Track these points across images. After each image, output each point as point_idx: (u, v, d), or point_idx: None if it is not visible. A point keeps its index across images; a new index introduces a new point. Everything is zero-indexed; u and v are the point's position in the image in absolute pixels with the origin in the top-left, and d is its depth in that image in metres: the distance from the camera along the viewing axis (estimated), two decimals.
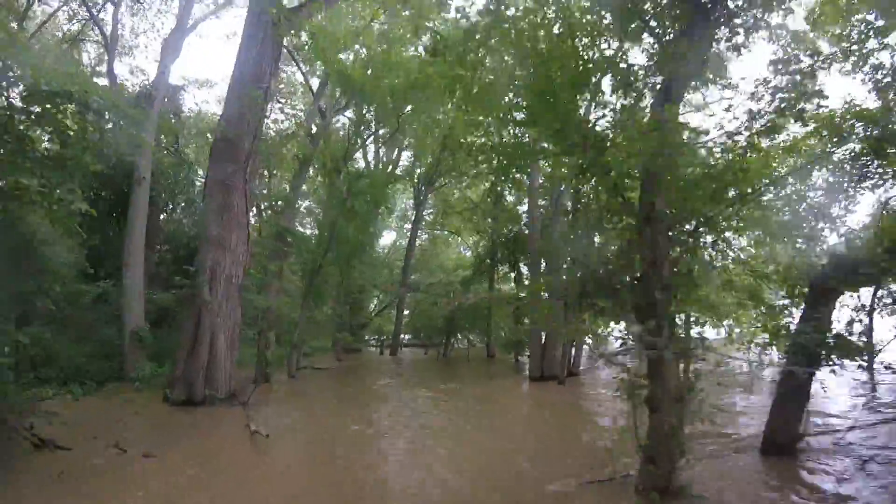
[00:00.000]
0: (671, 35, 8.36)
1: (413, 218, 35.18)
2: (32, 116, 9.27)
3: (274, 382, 18.99)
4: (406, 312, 35.94)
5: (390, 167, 35.14)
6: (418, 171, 34.44)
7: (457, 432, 12.45)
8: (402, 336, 35.62)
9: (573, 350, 19.25)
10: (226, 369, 15.10)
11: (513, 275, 27.75)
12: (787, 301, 11.23)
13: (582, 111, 9.16)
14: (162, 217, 24.28)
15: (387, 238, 45.14)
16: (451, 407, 15.50)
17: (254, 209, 27.78)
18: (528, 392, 17.88)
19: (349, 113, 26.95)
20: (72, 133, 10.26)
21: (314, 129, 22.83)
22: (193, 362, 14.78)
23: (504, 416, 14.76)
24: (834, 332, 8.89)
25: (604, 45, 9.07)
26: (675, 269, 7.29)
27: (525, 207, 28.78)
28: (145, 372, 17.57)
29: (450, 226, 38.08)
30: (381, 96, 21.48)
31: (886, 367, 10.14)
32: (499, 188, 29.09)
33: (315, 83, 26.47)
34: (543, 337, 19.11)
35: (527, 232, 26.40)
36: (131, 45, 28.64)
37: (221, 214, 15.46)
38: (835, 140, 10.08)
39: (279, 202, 23.40)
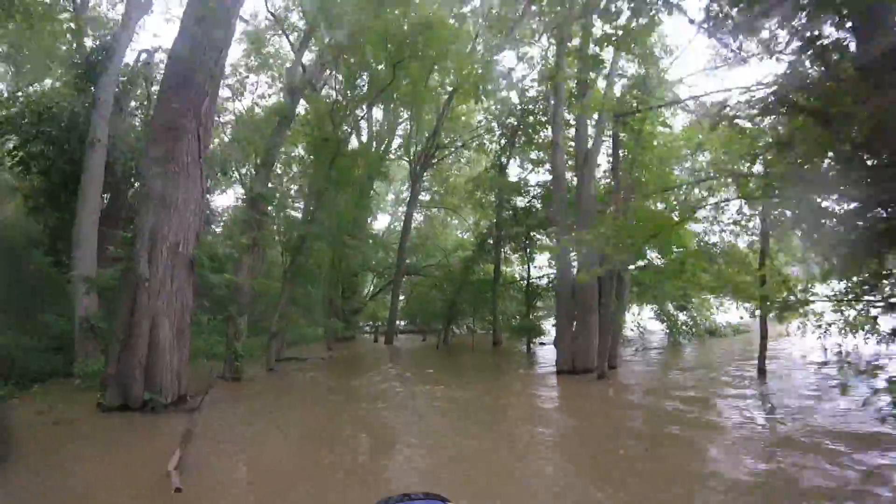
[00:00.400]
0: None
1: (409, 195, 30.87)
2: None
3: (247, 379, 15.03)
4: (401, 298, 31.67)
5: (385, 141, 31.15)
6: (415, 147, 30.20)
7: (490, 465, 8.12)
8: (397, 322, 31.49)
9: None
10: (172, 365, 11.11)
11: (523, 252, 23.52)
12: None
13: None
14: (130, 192, 20.10)
15: (381, 222, 40.92)
16: (468, 414, 11.41)
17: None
18: (563, 391, 13.65)
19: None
20: None
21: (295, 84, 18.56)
22: (129, 357, 10.82)
23: (554, 434, 10.08)
24: None
25: None
26: None
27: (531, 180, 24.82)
28: (90, 367, 13.71)
29: (448, 202, 33.99)
30: (376, 42, 17.45)
31: None
32: (503, 160, 25.09)
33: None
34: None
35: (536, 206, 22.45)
36: (109, 16, 24.54)
37: (167, 165, 11.33)
38: None
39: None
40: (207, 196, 20.61)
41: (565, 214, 15.50)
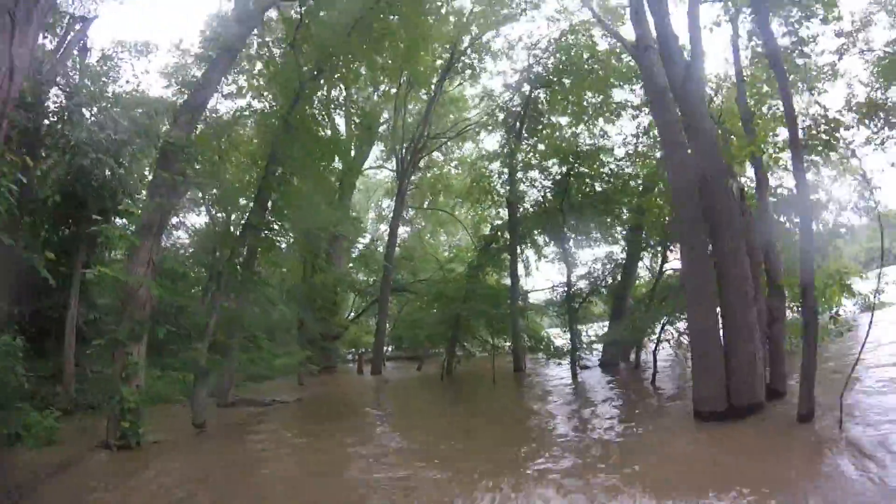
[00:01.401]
0: None
1: (393, 204, 24.07)
2: None
3: (151, 445, 8.07)
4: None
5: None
6: (402, 138, 23.63)
7: None
8: (385, 348, 24.42)
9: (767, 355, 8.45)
10: None
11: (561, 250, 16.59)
12: None
13: None
14: None
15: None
16: None
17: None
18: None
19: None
20: None
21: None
22: None
23: None
24: None
25: None
26: None
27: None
28: None
29: (443, 205, 27.61)
30: None
31: None
32: (512, 143, 18.61)
33: None
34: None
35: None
36: None
37: None
38: None
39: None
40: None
41: (679, 145, 8.82)
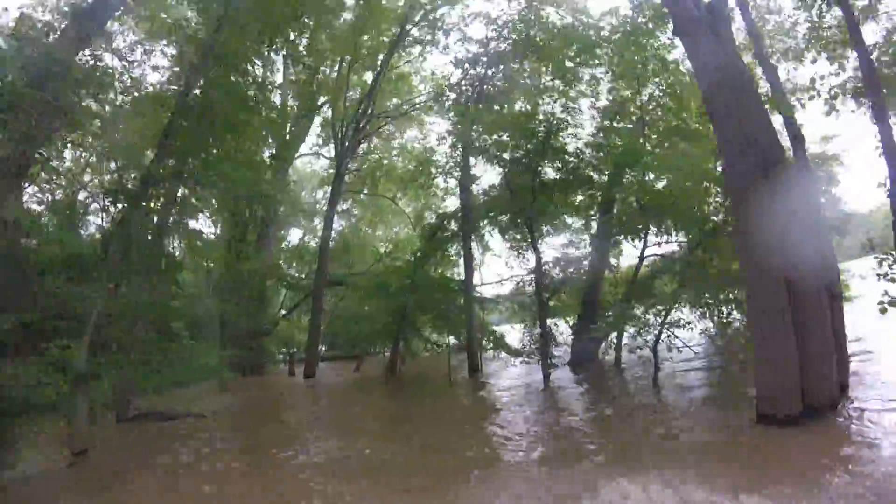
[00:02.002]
0: None
1: (333, 178, 21.14)
2: None
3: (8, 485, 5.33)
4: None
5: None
6: (343, 115, 20.91)
7: None
8: (320, 347, 21.47)
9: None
10: None
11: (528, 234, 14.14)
12: None
13: None
14: None
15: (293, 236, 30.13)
16: None
17: None
18: None
19: None
20: None
21: None
22: None
23: None
24: None
25: None
26: None
27: None
28: None
29: (386, 187, 25.05)
30: None
31: None
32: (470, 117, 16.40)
33: None
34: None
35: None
36: None
37: None
38: None
39: None
40: None
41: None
